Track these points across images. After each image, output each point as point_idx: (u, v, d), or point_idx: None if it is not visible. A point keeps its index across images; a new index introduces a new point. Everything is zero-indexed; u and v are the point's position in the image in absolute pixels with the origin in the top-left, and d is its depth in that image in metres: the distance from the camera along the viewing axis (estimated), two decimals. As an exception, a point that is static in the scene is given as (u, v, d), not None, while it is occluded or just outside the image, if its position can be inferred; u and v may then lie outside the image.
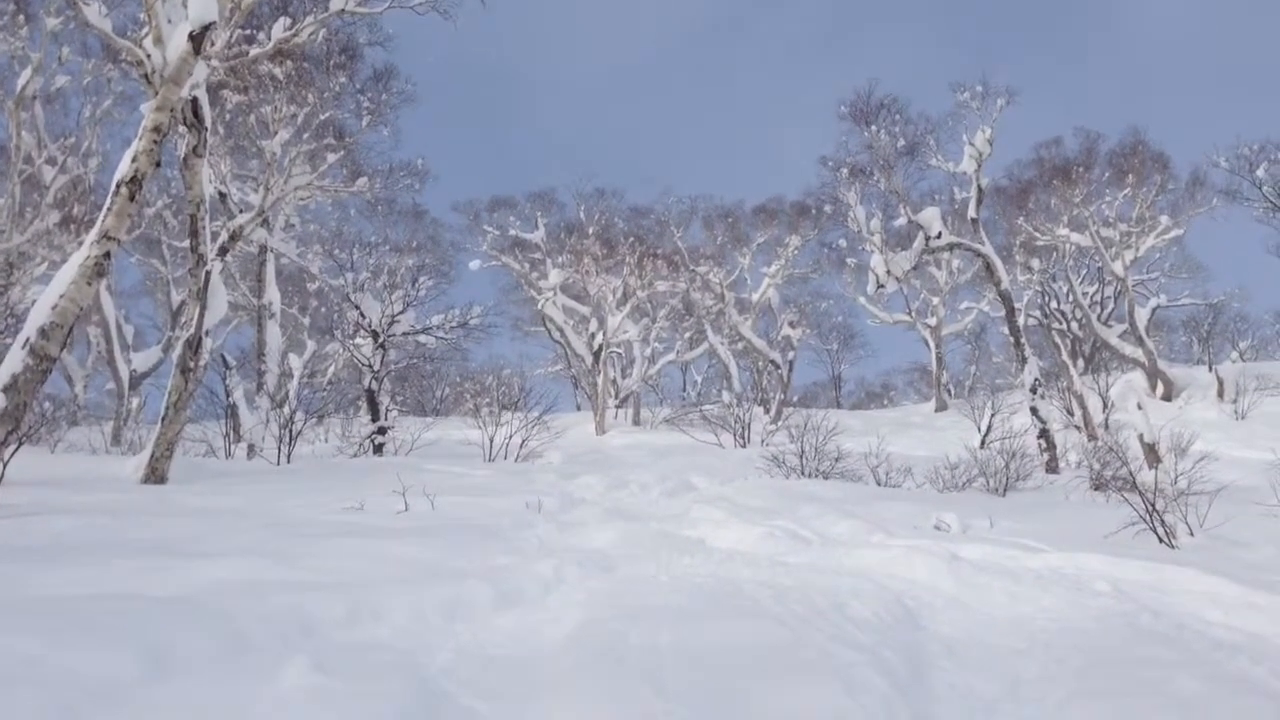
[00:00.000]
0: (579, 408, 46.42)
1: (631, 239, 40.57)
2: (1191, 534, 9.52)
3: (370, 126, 24.30)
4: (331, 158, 23.39)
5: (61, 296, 9.90)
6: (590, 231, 41.54)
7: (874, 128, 26.27)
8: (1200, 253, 50.33)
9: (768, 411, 38.50)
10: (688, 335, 45.41)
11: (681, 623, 5.10)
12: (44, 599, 4.76)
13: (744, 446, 26.86)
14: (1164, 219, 36.83)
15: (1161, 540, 9.09)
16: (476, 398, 27.17)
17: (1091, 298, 39.39)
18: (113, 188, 10.93)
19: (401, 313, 23.76)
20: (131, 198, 10.94)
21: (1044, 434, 21.88)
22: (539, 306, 40.98)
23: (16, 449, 9.95)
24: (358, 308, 23.63)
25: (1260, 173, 30.27)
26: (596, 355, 37.85)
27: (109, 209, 10.72)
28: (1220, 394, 31.26)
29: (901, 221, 25.96)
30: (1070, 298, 37.84)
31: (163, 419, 13.45)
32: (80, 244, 12.06)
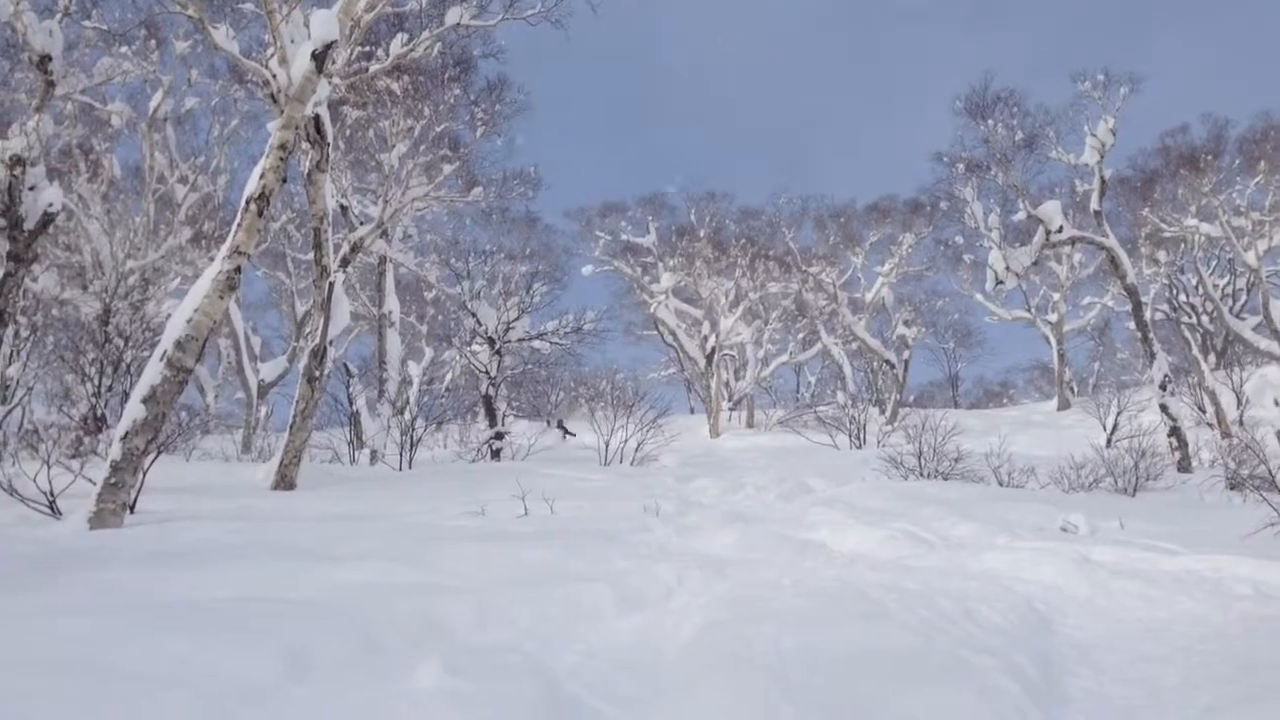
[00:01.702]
0: (692, 411, 46.47)
1: (743, 240, 40.45)
2: (1338, 535, 9.10)
3: (484, 137, 24.65)
4: (447, 169, 23.79)
5: (196, 310, 10.27)
6: (701, 234, 41.51)
7: (990, 121, 25.73)
8: (1341, 240, 47.87)
9: (883, 412, 37.96)
10: (801, 336, 45.09)
11: (805, 627, 5.05)
12: (187, 602, 4.96)
13: (860, 448, 26.55)
14: (1300, 206, 35.24)
15: (1305, 542, 8.72)
16: (591, 402, 27.38)
17: (1222, 290, 37.84)
18: (242, 204, 11.31)
19: (517, 319, 24.09)
20: (260, 213, 11.31)
21: (1175, 432, 21.16)
22: (651, 310, 41.15)
23: (156, 457, 10.36)
24: (474, 315, 24.04)
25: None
26: (709, 358, 37.83)
27: (239, 225, 11.09)
28: (1365, 388, 29.78)
29: (1020, 216, 25.38)
30: (1200, 290, 36.45)
31: (290, 427, 13.89)
32: (211, 259, 12.53)
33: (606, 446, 21.49)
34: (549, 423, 22.43)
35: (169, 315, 12.24)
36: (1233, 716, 3.98)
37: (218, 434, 27.76)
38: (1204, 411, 25.27)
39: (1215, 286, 37.00)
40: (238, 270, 10.83)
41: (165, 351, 9.93)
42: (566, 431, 22.24)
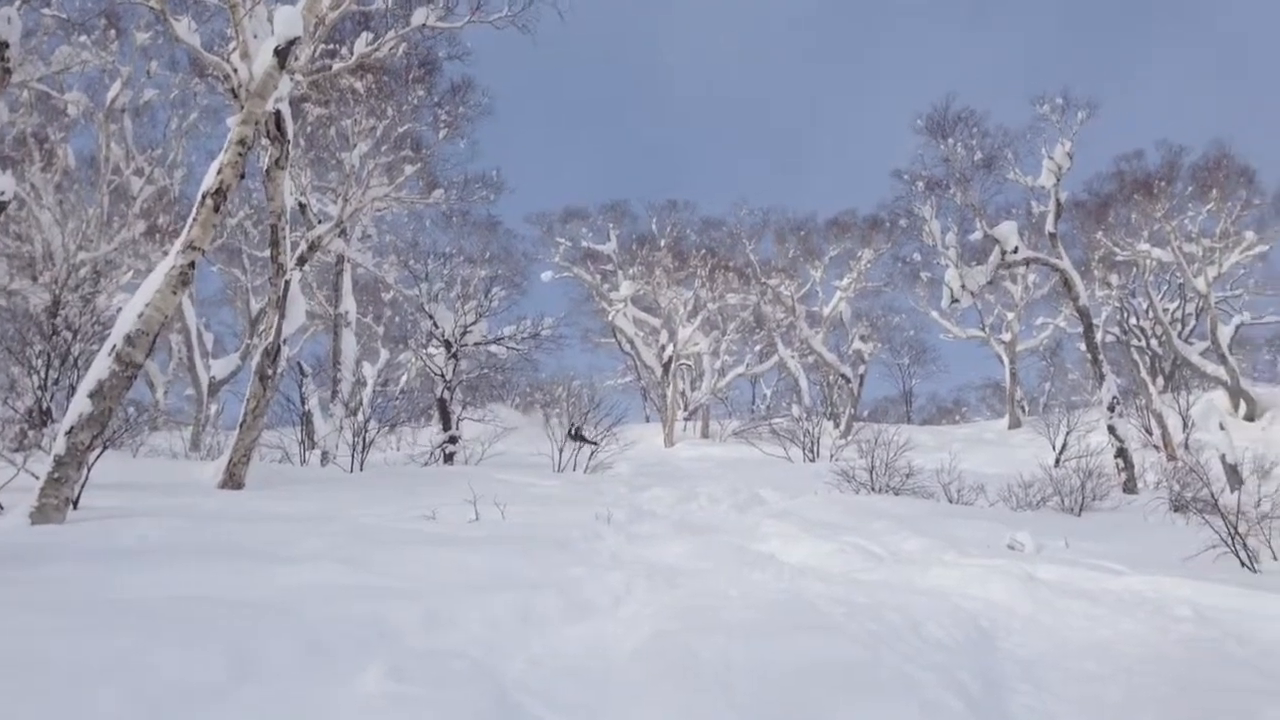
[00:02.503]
0: (648, 419, 46.51)
1: (703, 251, 40.61)
2: (1276, 559, 9.28)
3: (447, 139, 24.57)
4: (408, 169, 23.67)
5: (147, 305, 10.13)
6: (662, 243, 41.64)
7: (950, 141, 26.00)
8: (1287, 270, 48.93)
9: (837, 426, 38.16)
10: (758, 348, 45.28)
11: (754, 638, 5.08)
12: (130, 600, 4.88)
13: (813, 461, 26.68)
14: (1249, 235, 35.91)
15: (1244, 564, 8.87)
16: (546, 408, 27.32)
17: (1172, 314, 38.47)
18: (198, 199, 11.17)
19: (474, 323, 23.98)
20: (216, 209, 11.18)
21: (1121, 453, 21.45)
22: (610, 318, 41.17)
23: (101, 453, 10.19)
24: (431, 317, 23.90)
25: (1352, 188, 29.42)
26: (666, 367, 37.90)
27: (194, 219, 10.96)
28: (1307, 415, 30.38)
29: (977, 235, 25.63)
30: (1150, 314, 37.04)
31: (241, 425, 13.72)
32: (165, 253, 12.37)
33: (560, 453, 21.45)
34: (571, 433, 22.10)
35: (120, 309, 12.07)
36: (1170, 735, 4.05)
37: (166, 430, 27.36)
38: (1150, 434, 25.62)
39: (1165, 311, 37.63)
40: (192, 265, 10.69)
41: (114, 346, 9.78)
42: (585, 440, 21.99)
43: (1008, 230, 23.74)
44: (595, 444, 21.95)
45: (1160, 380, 36.60)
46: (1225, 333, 34.16)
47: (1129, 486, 20.49)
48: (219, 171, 11.21)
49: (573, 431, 21.72)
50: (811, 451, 27.85)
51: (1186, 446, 24.36)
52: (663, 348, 39.18)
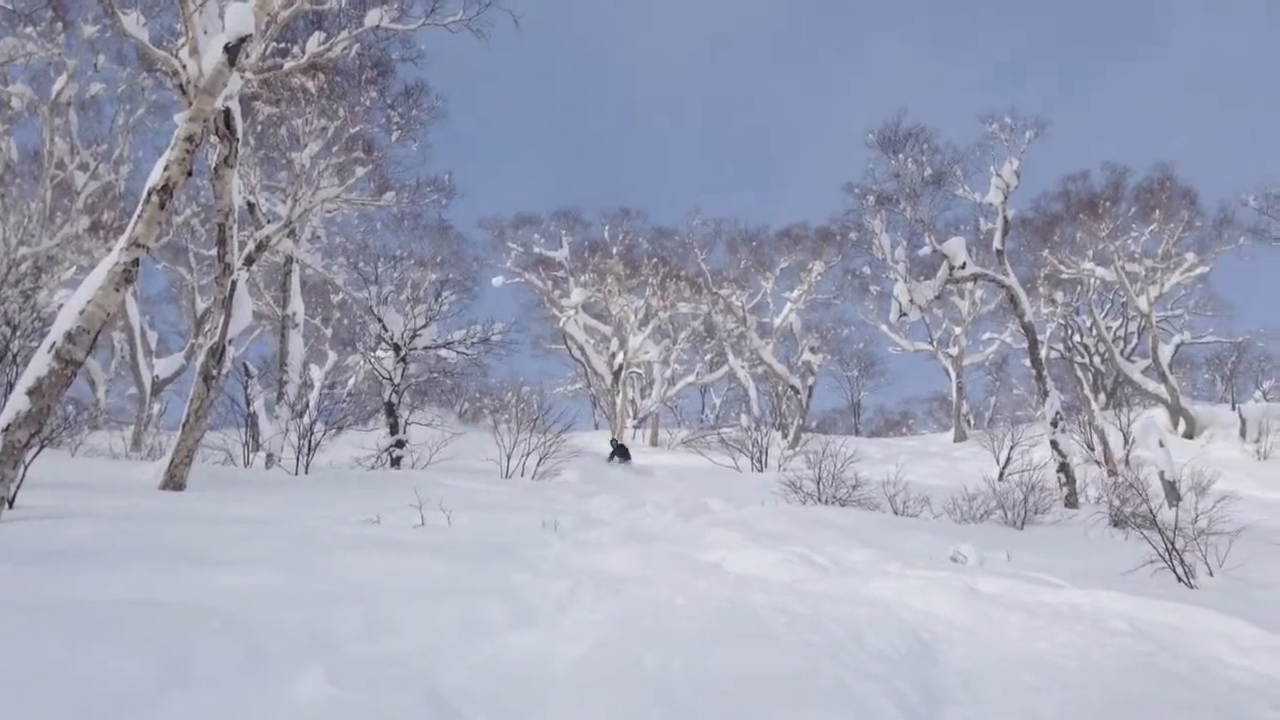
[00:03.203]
0: (597, 427, 46.41)
1: (655, 260, 40.68)
2: (1211, 574, 9.42)
3: (399, 141, 24.43)
4: (360, 171, 23.49)
5: (89, 302, 9.96)
6: (614, 251, 41.64)
7: (901, 156, 26.22)
8: (1226, 291, 50.07)
9: (786, 436, 38.41)
10: (708, 358, 45.41)
11: (695, 647, 5.08)
12: (64, 603, 4.78)
13: (761, 471, 26.78)
14: (1190, 256, 36.70)
15: (1180, 579, 9.01)
16: (495, 414, 27.22)
17: (1115, 332, 39.16)
18: (144, 195, 11.01)
19: (424, 327, 23.85)
20: (162, 206, 11.02)
21: (1064, 468, 21.74)
22: (560, 324, 41.10)
23: (39, 451, 10.00)
24: (380, 320, 23.73)
25: (1289, 213, 30.11)
26: (616, 375, 37.90)
27: (139, 216, 10.80)
28: (1243, 433, 31.01)
29: (926, 250, 25.88)
30: (1094, 332, 37.67)
31: (183, 426, 13.53)
32: (109, 250, 12.17)
33: (508, 459, 21.37)
34: (614, 453, 21.44)
35: (61, 305, 11.88)
36: (1103, 747, 4.10)
37: (107, 430, 26.95)
38: (1092, 449, 26.00)
39: (1108, 329, 38.29)
40: (136, 263, 10.53)
41: (54, 343, 9.61)
42: (622, 456, 21.61)
43: (956, 246, 24.00)
44: (628, 459, 21.71)
45: (1102, 397, 37.24)
46: (1166, 351, 34.82)
47: (1070, 501, 20.77)
48: (166, 168, 11.06)
49: (614, 447, 21.29)
50: (760, 461, 27.96)
51: (1127, 462, 24.75)
52: (613, 355, 39.19)
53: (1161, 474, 16.44)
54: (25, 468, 9.33)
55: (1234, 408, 34.02)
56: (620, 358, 38.19)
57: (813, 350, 44.07)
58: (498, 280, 41.71)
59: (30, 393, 9.26)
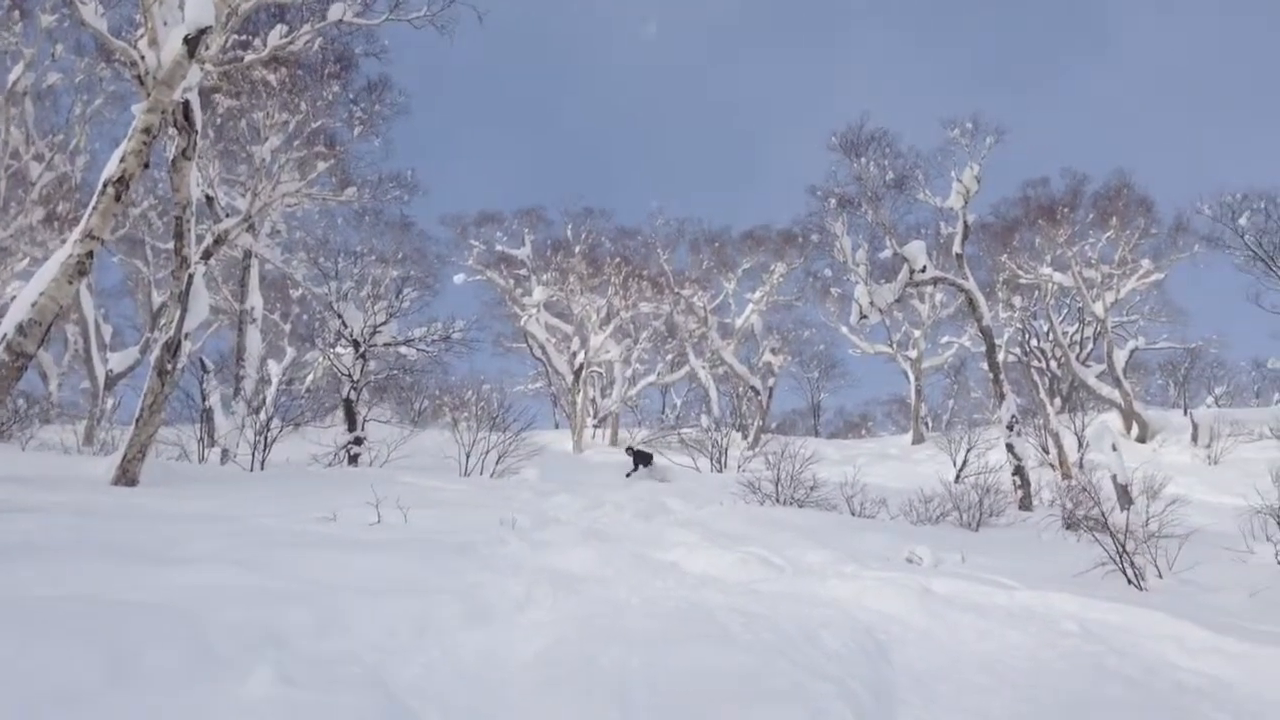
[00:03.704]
0: (557, 426, 46.36)
1: (618, 259, 40.58)
2: (1160, 576, 9.57)
3: (362, 136, 24.28)
4: (321, 166, 23.35)
5: (42, 294, 9.83)
6: (577, 250, 41.52)
7: (863, 160, 26.37)
8: (1180, 298, 50.78)
9: (746, 437, 38.49)
10: (669, 358, 45.46)
11: (651, 646, 5.09)
12: (10, 599, 4.71)
13: (720, 471, 26.86)
14: (1146, 263, 37.21)
15: (1130, 582, 9.13)
16: (455, 411, 27.10)
17: (1071, 337, 39.58)
18: (99, 187, 10.88)
19: (384, 323, 23.69)
20: (118, 198, 10.90)
21: (1019, 471, 21.95)
22: (522, 323, 40.94)
23: (-12, 445, 9.88)
24: (340, 316, 23.55)
25: (1242, 221, 30.51)
26: (577, 374, 37.81)
27: (94, 208, 10.67)
28: (1194, 438, 31.44)
29: (887, 254, 26.08)
30: (1050, 336, 38.06)
31: (137, 420, 13.35)
32: (64, 241, 12.01)
33: (468, 457, 21.29)
34: (635, 463, 21.03)
35: (13, 297, 11.70)
36: (1051, 747, 4.15)
37: (59, 424, 26.60)
38: (1047, 453, 26.29)
39: (1065, 334, 38.72)
40: (90, 255, 10.41)
41: (5, 335, 9.48)
42: (644, 462, 21.31)
43: (916, 250, 24.18)
44: (646, 464, 21.53)
45: (1058, 401, 37.60)
46: (1120, 357, 35.25)
47: (1025, 504, 20.97)
48: (122, 160, 10.94)
49: (634, 456, 20.97)
50: (719, 462, 28.05)
51: (1081, 466, 25.02)
52: (574, 354, 39.09)
53: (1114, 477, 16.62)
54: (-26, 461, 9.19)
55: (1186, 413, 34.49)
56: (581, 357, 38.08)
57: (773, 351, 44.23)
58: (459, 278, 41.51)
59: (-20, 385, 9.12)
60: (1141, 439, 33.71)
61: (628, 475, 24.99)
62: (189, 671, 4.02)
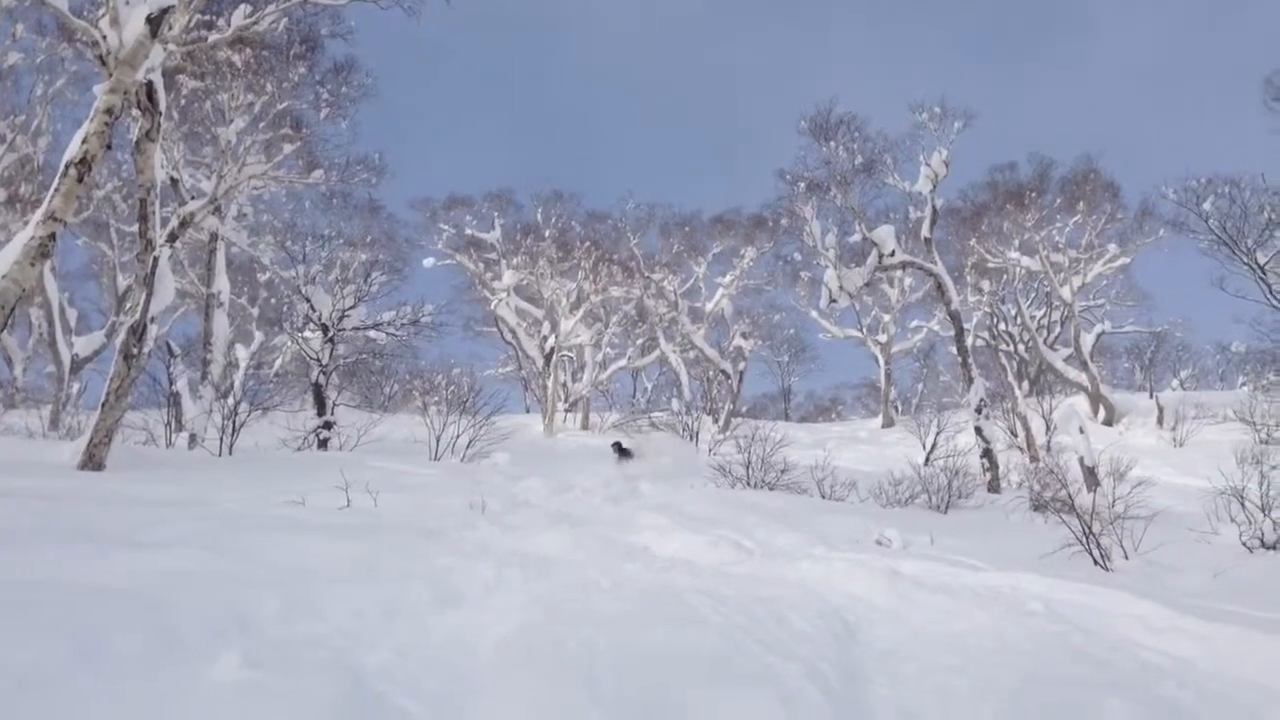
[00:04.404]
0: (528, 410, 46.23)
1: (588, 243, 40.44)
2: (1126, 557, 9.67)
3: (329, 119, 24.08)
4: (288, 148, 23.14)
5: (4, 277, 9.71)
6: (546, 234, 41.34)
7: (833, 144, 26.38)
8: (1146, 282, 51.15)
9: (716, 421, 38.56)
10: (640, 342, 45.40)
11: (621, 628, 5.10)
12: (-28, 584, 4.66)
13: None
14: (1112, 247, 37.50)
15: (1097, 563, 9.23)
16: (425, 395, 26.97)
17: (1039, 321, 39.87)
18: (61, 168, 10.74)
19: (352, 307, 23.54)
20: (80, 179, 10.76)
21: (987, 453, 22.11)
22: (492, 307, 40.79)
23: (-50, 430, 9.76)
24: (308, 300, 23.38)
25: (1207, 206, 30.70)
26: (548, 358, 37.75)
27: (56, 190, 10.54)
28: (1160, 421, 31.80)
29: (856, 238, 26.15)
30: (1018, 320, 38.35)
31: (103, 405, 13.21)
32: (25, 224, 11.85)
33: (438, 441, 21.22)
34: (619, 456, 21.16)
35: (-26, 280, 11.53)
36: (1017, 725, 4.19)
37: (24, 408, 26.30)
38: (1015, 435, 26.46)
39: (1032, 318, 39.03)
40: (52, 237, 10.28)
41: (-34, 318, 9.35)
42: (623, 455, 21.35)
43: (886, 234, 24.26)
44: (628, 453, 21.57)
45: (1026, 384, 37.88)
46: (1087, 340, 35.57)
47: (993, 486, 21.13)
48: (84, 141, 10.81)
49: (617, 451, 20.99)
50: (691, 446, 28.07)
51: (1048, 448, 25.22)
52: (545, 339, 38.99)
53: (1081, 460, 16.79)
54: (-65, 447, 9.07)
55: (1152, 396, 34.83)
56: (552, 341, 38.01)
57: (744, 336, 44.29)
58: (429, 262, 41.25)
59: (-60, 369, 9.00)
60: (1108, 422, 34.06)
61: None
62: (156, 656, 3.99)
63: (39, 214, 10.43)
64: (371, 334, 25.05)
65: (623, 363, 44.13)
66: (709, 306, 44.20)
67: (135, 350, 13.52)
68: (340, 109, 24.03)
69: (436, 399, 24.94)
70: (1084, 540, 9.57)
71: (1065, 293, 36.08)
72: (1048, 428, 26.28)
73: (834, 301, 24.47)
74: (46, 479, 10.42)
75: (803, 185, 28.21)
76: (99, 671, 3.69)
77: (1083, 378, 35.21)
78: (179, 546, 6.22)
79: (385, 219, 38.90)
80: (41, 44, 25.31)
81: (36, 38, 25.12)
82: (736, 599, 6.16)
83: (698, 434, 28.68)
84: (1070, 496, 11.24)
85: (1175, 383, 36.65)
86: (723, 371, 42.17)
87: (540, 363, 38.63)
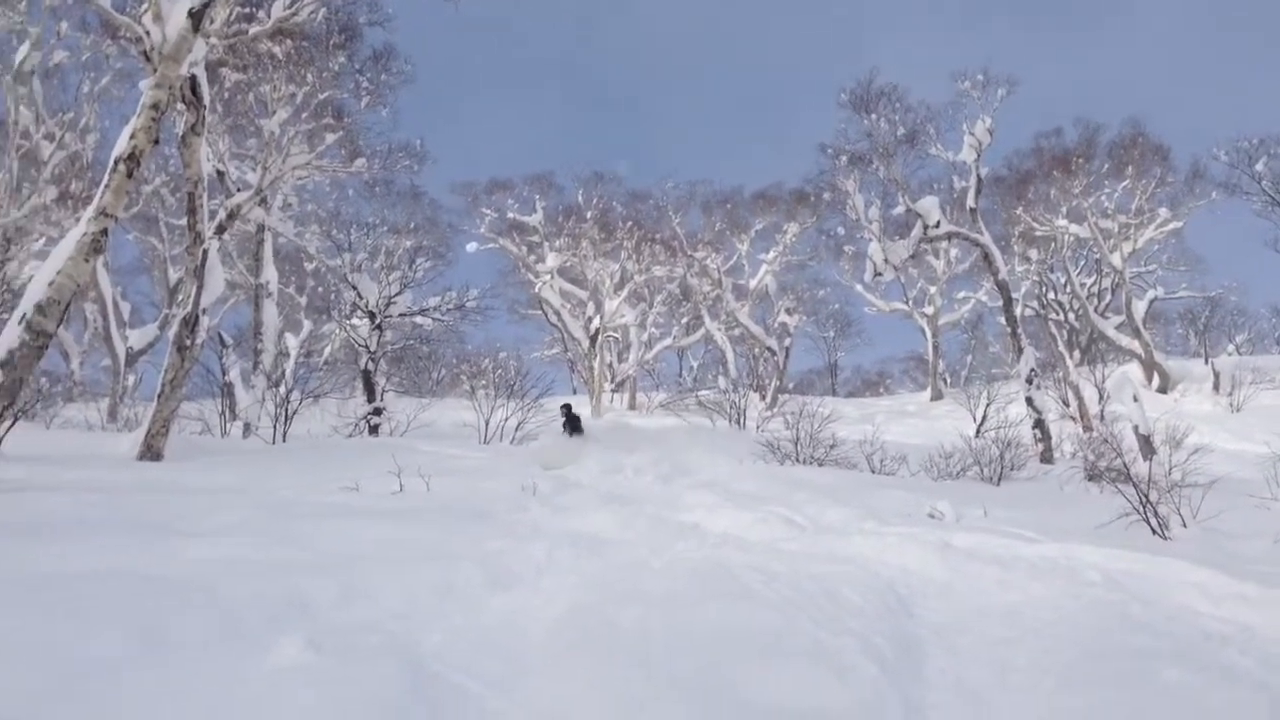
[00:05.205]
0: (575, 391, 46.37)
1: (629, 223, 40.40)
2: (1185, 526, 9.54)
3: (369, 107, 24.18)
4: (330, 138, 23.28)
5: (59, 273, 9.88)
6: (588, 215, 41.33)
7: (874, 116, 26.11)
8: (1198, 246, 50.24)
9: (763, 398, 38.45)
10: (684, 321, 45.34)
11: (673, 606, 5.11)
12: (39, 575, 4.77)
13: (739, 433, 26.85)
14: (1163, 211, 36.77)
15: (1154, 532, 9.12)
16: (473, 380, 27.16)
17: (1089, 289, 39.31)
18: (110, 164, 10.89)
19: (399, 294, 23.75)
20: (129, 175, 10.91)
21: (1039, 424, 21.89)
22: (536, 290, 40.86)
23: (12, 425, 9.96)
24: (355, 288, 23.61)
25: (1260, 167, 30.22)
26: (593, 339, 37.82)
27: (106, 186, 10.69)
28: (1216, 387, 31.26)
29: (900, 210, 25.90)
30: (1068, 289, 37.84)
31: (158, 396, 13.45)
32: (78, 220, 12.04)
33: (487, 425, 21.37)
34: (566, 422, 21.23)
35: (31, 277, 11.75)
36: (1076, 697, 4.16)
37: (82, 402, 26.82)
38: (1067, 405, 26.18)
39: (1082, 286, 38.46)
40: (104, 232, 10.44)
41: (24, 315, 9.53)
42: (573, 426, 21.54)
43: (930, 205, 24.04)
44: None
45: (1077, 353, 37.44)
46: (1140, 307, 35.00)
47: (1046, 457, 20.92)
48: (132, 137, 10.95)
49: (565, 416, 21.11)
50: (738, 423, 28.03)
51: (1102, 418, 24.96)
52: (589, 320, 39.07)
53: (1135, 428, 16.58)
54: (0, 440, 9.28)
55: (1207, 362, 34.26)
56: (596, 322, 38.06)
57: (789, 312, 44.06)
58: (472, 246, 41.46)
59: (2, 365, 9.20)
60: (1162, 389, 33.54)
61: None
62: (216, 643, 4.07)
63: (90, 210, 10.59)
64: (418, 320, 25.27)
65: (668, 342, 44.11)
66: (753, 283, 43.99)
67: (188, 342, 13.73)
68: (380, 97, 24.11)
69: (484, 383, 25.09)
70: (1141, 509, 9.45)
71: (1115, 259, 35.50)
72: (1101, 397, 25.98)
73: (879, 275, 24.33)
74: (107, 471, 10.62)
75: (844, 158, 27.94)
76: (162, 660, 3.77)
77: (1135, 345, 34.67)
78: (236, 534, 6.32)
79: (428, 205, 39.06)
80: (86, 41, 25.61)
81: (81, 35, 25.41)
82: (788, 575, 6.14)
83: (744, 411, 28.60)
84: (1125, 465, 11.11)
85: (1231, 347, 36.15)
86: (768, 348, 41.98)
87: (586, 344, 38.71)
